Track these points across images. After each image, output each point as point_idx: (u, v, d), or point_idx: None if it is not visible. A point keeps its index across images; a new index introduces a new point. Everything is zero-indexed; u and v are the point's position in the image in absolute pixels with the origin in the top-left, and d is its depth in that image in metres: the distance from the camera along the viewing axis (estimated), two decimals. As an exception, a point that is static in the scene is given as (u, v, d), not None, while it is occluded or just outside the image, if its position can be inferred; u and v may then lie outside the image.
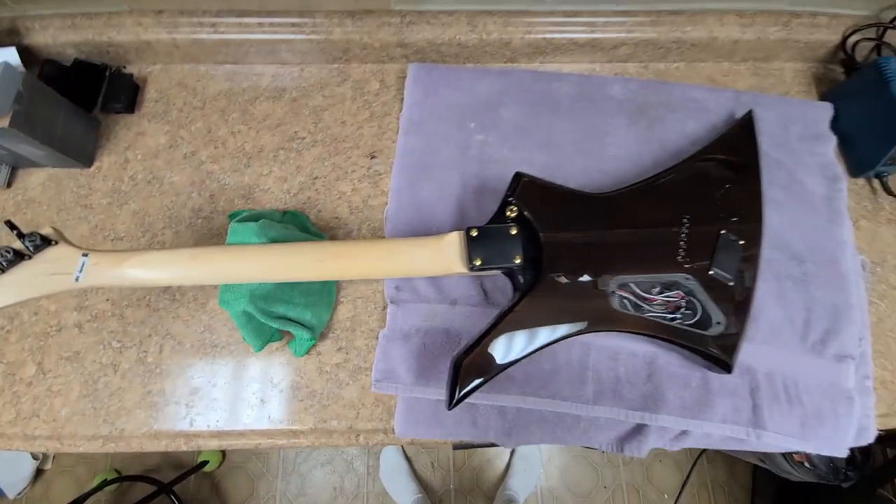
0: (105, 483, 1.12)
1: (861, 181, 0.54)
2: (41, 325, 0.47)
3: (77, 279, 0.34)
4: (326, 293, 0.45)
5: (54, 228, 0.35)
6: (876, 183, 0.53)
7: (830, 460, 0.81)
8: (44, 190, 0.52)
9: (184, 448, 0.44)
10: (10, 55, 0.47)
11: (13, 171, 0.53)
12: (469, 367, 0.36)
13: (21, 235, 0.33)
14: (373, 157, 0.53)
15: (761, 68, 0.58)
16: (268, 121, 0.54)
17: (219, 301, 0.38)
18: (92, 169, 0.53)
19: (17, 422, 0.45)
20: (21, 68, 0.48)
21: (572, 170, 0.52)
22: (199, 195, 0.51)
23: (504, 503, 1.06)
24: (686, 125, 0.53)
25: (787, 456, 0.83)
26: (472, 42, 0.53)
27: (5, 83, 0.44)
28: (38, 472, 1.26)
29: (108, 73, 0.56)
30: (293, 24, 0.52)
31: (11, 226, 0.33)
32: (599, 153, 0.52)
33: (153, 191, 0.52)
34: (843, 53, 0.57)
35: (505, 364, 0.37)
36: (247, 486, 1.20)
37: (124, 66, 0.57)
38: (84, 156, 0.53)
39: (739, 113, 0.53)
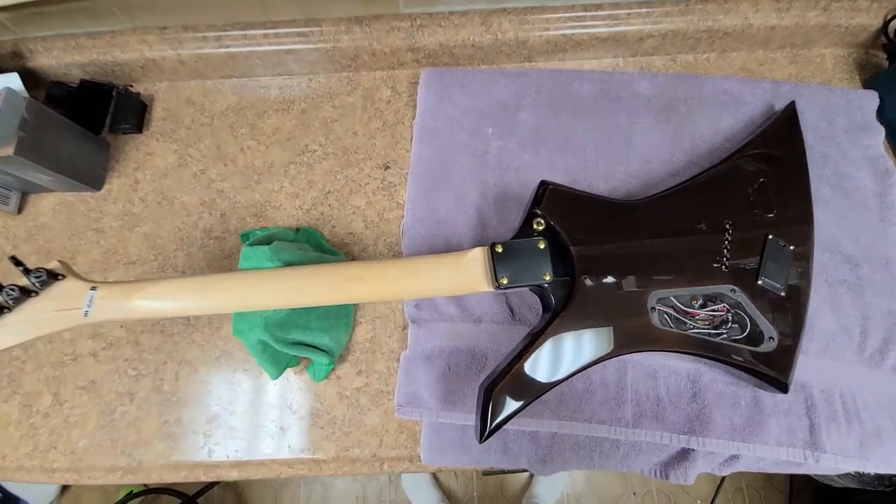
0: (131, 495, 1.13)
1: (915, 174, 0.49)
2: (56, 354, 0.46)
3: (86, 314, 0.33)
4: (344, 315, 0.43)
5: (61, 262, 0.34)
6: (933, 175, 0.49)
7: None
8: (55, 215, 0.51)
9: (203, 479, 0.42)
10: (12, 81, 0.46)
11: (24, 197, 0.52)
12: (500, 396, 0.34)
13: (27, 271, 0.32)
14: (387, 168, 0.51)
15: (800, 55, 0.53)
16: (277, 135, 0.52)
17: (233, 331, 0.36)
18: (102, 192, 0.52)
19: (34, 454, 0.44)
20: (24, 93, 0.47)
21: (597, 174, 0.48)
22: (210, 215, 0.50)
23: (529, 512, 1.04)
24: (720, 120, 0.50)
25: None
26: (486, 43, 0.50)
27: (9, 110, 0.43)
28: (65, 486, 1.27)
29: (114, 93, 0.55)
30: (299, 34, 0.50)
31: (16, 262, 0.32)
32: (626, 155, 0.49)
33: (164, 212, 0.50)
34: (884, 38, 0.52)
35: (539, 391, 0.34)
36: (270, 495, 1.20)
37: (131, 85, 0.56)
38: (94, 179, 0.52)
39: (779, 105, 0.49)
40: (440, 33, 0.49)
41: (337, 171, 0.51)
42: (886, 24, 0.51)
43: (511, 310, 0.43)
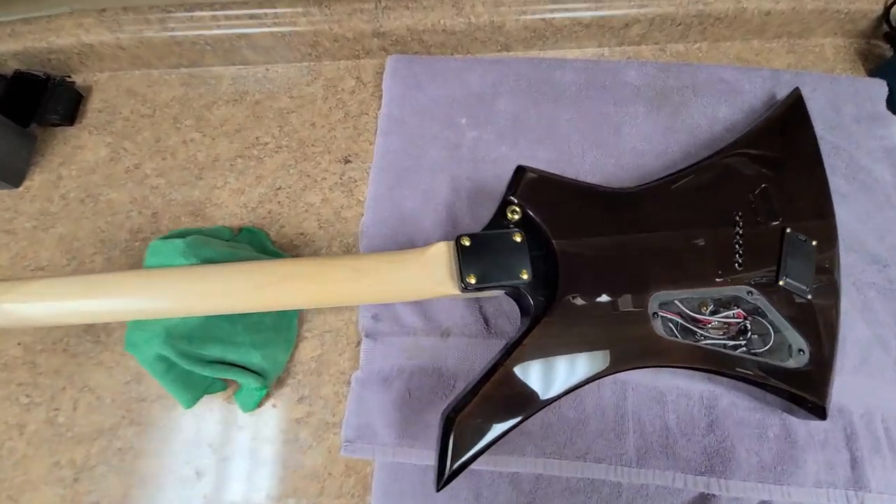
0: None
1: (935, 166, 0.44)
2: (-61, 378, 0.38)
3: (-69, 321, 0.26)
4: (284, 328, 0.36)
5: None
6: (957, 167, 0.44)
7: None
8: (-36, 215, 0.44)
9: (96, 541, 0.33)
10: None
11: (-68, 195, 0.46)
12: (466, 426, 0.26)
13: None
14: (347, 162, 0.45)
15: (798, 45, 0.50)
16: (225, 126, 0.47)
17: (125, 344, 0.28)
18: (21, 189, 0.45)
19: None
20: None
21: (583, 166, 0.43)
22: (139, 214, 0.43)
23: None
24: (718, 110, 0.45)
25: None
26: (459, 27, 0.46)
27: None
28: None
29: (49, 84, 0.49)
30: (252, 17, 0.45)
31: None
32: (616, 146, 0.44)
33: (86, 211, 0.43)
34: (886, 27, 0.49)
35: (516, 420, 0.27)
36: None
37: (68, 76, 0.51)
38: (12, 175, 0.45)
39: (781, 94, 0.45)
40: (407, 16, 0.45)
41: (290, 165, 0.45)
42: (888, 9, 0.48)
43: (485, 320, 0.36)
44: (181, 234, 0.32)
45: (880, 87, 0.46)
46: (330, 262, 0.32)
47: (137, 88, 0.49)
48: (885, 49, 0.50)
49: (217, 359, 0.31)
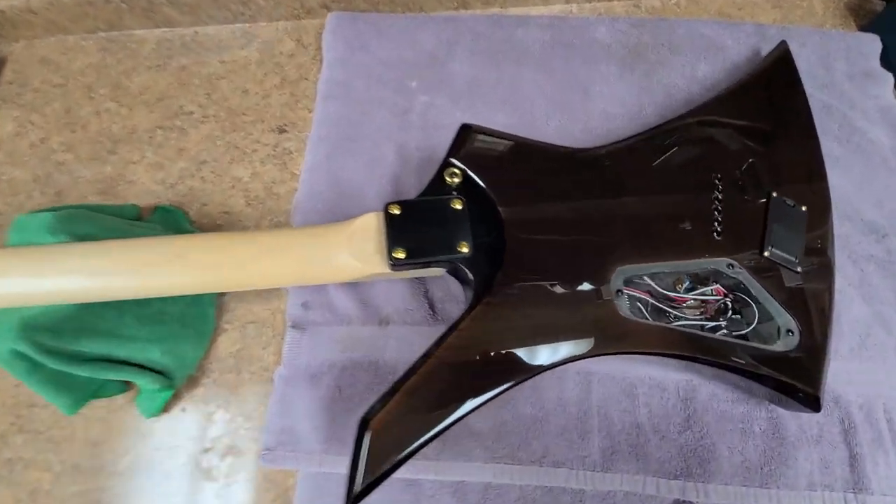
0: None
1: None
2: None
3: None
4: (196, 319, 0.31)
5: None
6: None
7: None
8: None
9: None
10: None
11: None
12: (384, 429, 0.21)
13: None
14: (282, 132, 0.40)
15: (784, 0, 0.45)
16: (145, 95, 0.41)
17: (-29, 339, 0.23)
18: (-84, 170, 0.40)
19: None
20: None
21: (547, 131, 0.38)
22: (41, 194, 0.38)
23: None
24: (697, 68, 0.40)
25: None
26: (407, -21, 0.41)
27: None
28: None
29: (-47, 54, 0.44)
30: (170, -33, 0.40)
31: None
32: (584, 108, 0.39)
33: (-17, 192, 0.38)
34: (879, -21, 0.45)
35: (447, 422, 0.22)
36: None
37: (-20, 46, 0.45)
38: None
39: (767, 50, 0.40)
40: (349, -33, 0.40)
41: (217, 136, 0.39)
42: (880, -39, 0.43)
43: (431, 305, 0.31)
44: (59, 209, 0.27)
45: (873, 43, 0.42)
46: (238, 237, 0.27)
47: (52, 56, 0.44)
48: (877, 3, 0.46)
49: (100, 356, 0.26)
